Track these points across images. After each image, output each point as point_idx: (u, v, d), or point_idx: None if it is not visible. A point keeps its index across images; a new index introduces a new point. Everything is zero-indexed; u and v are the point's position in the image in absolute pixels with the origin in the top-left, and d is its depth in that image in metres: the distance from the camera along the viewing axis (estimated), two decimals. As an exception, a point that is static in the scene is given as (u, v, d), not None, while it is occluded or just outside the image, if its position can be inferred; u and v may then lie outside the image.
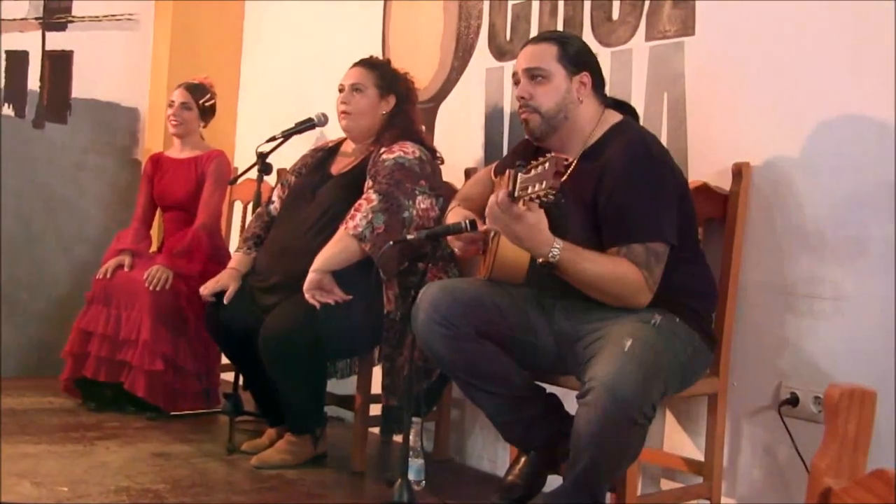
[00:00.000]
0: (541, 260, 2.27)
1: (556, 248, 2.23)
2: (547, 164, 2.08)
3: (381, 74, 3.32)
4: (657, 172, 2.35)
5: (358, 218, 3.00)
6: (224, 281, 3.28)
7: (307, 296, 2.97)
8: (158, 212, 4.29)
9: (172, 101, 4.14)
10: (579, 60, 2.49)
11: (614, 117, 2.50)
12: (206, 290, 3.29)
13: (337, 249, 3.01)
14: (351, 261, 3.01)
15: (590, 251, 2.30)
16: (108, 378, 3.79)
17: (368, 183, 3.11)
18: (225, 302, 3.24)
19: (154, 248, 4.27)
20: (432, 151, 3.28)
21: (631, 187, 2.32)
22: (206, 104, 4.17)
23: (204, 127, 4.23)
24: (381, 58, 3.48)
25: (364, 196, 3.06)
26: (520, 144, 2.73)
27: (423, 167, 3.15)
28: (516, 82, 2.54)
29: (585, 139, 2.47)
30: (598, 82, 2.52)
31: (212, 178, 4.06)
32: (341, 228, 3.03)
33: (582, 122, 2.49)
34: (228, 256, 4.13)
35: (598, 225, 2.37)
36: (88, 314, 3.89)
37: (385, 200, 3.02)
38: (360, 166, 3.25)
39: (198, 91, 4.15)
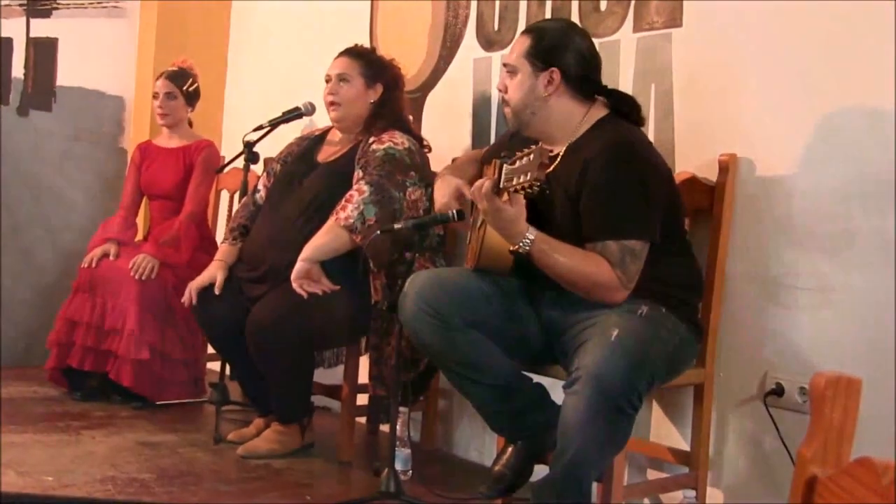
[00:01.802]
0: (511, 248, 2.30)
1: (528, 240, 2.26)
2: (532, 156, 2.09)
3: (367, 63, 3.30)
4: (637, 170, 2.34)
5: (349, 209, 2.99)
6: (211, 273, 3.26)
7: (294, 285, 2.96)
8: (145, 200, 4.28)
9: (156, 93, 4.11)
10: (550, 56, 2.45)
11: (601, 112, 2.49)
12: (194, 285, 3.25)
13: (327, 239, 3.01)
14: (340, 251, 3.01)
15: (565, 245, 2.31)
16: (94, 368, 3.78)
17: (358, 173, 3.10)
18: (217, 293, 3.21)
19: (140, 236, 4.25)
20: (420, 140, 3.28)
21: (609, 185, 2.32)
22: (190, 89, 4.14)
23: (191, 111, 4.21)
24: (365, 46, 3.45)
25: (355, 187, 3.05)
26: (508, 132, 2.73)
27: (413, 157, 3.15)
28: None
29: (571, 132, 2.46)
30: (573, 78, 2.46)
31: (200, 167, 4.04)
32: (331, 219, 3.02)
33: (555, 118, 2.47)
34: (215, 246, 4.12)
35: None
36: (73, 303, 3.87)
37: (376, 192, 3.02)
38: (347, 155, 3.24)
39: (180, 78, 4.12)
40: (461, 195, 2.61)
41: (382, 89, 3.28)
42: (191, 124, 4.24)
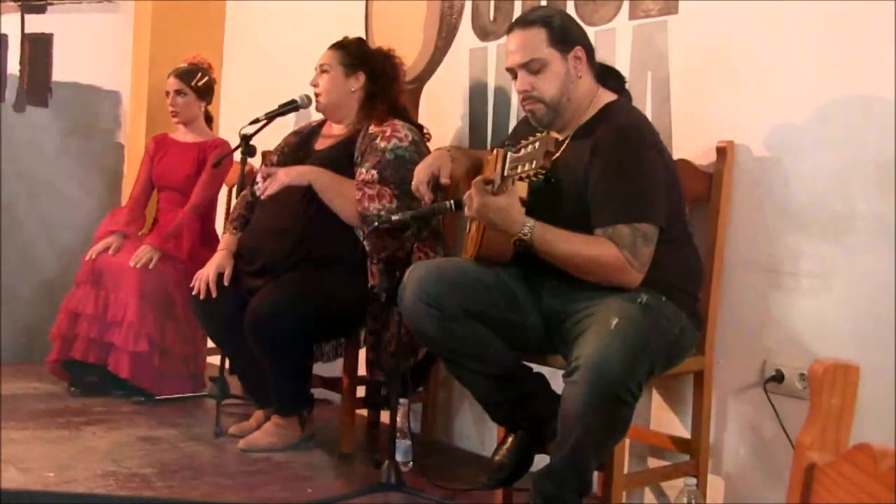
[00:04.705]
0: (514, 238, 2.29)
1: (528, 228, 2.26)
2: (538, 144, 2.08)
3: (347, 53, 3.32)
4: (646, 155, 2.34)
5: (374, 206, 3.04)
6: (220, 262, 3.25)
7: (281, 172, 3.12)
8: (154, 194, 4.26)
9: (168, 91, 4.14)
10: (568, 36, 2.46)
11: (608, 96, 2.49)
12: (207, 275, 3.20)
13: (342, 194, 3.09)
14: (336, 203, 3.10)
15: (566, 231, 2.30)
16: (97, 360, 3.79)
17: (371, 173, 3.09)
18: (225, 283, 3.21)
19: (146, 229, 4.23)
20: (420, 129, 3.29)
21: (618, 169, 2.31)
22: (200, 84, 4.15)
23: (206, 105, 4.21)
24: (351, 38, 3.44)
25: (389, 192, 3.07)
26: (519, 124, 2.73)
27: (420, 149, 3.17)
28: (514, 77, 2.51)
29: (580, 117, 2.46)
30: (590, 53, 2.50)
31: (211, 165, 4.05)
32: (354, 188, 3.09)
33: (579, 98, 2.47)
34: (217, 241, 4.12)
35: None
36: (77, 295, 3.87)
37: (400, 207, 3.04)
38: (343, 143, 3.26)
39: (188, 75, 4.12)
40: (434, 176, 2.66)
41: (365, 78, 3.29)
42: (210, 120, 4.26)
